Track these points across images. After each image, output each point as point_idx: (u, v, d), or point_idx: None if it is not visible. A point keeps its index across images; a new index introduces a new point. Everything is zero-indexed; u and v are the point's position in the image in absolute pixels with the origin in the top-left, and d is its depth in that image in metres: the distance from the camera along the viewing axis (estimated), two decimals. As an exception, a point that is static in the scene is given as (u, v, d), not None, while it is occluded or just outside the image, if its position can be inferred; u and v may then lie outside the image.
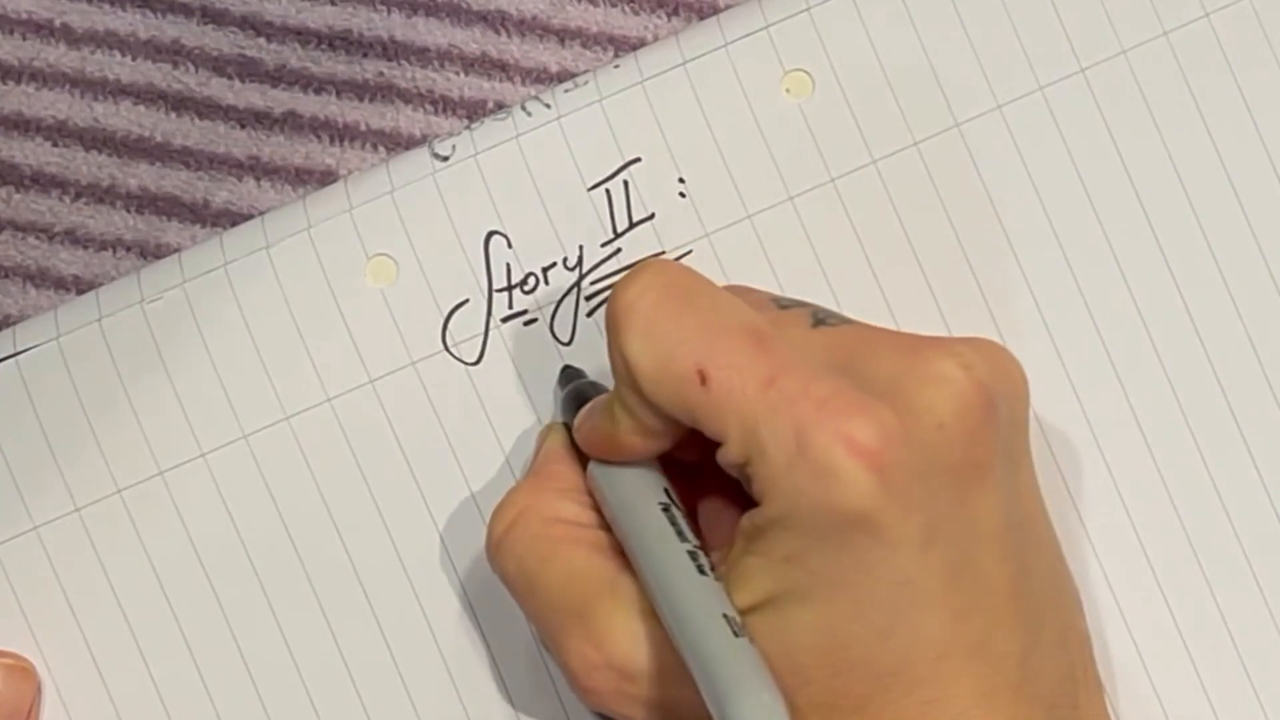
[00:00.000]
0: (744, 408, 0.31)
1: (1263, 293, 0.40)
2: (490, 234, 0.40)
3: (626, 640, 0.33)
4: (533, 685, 0.39)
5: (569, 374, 0.39)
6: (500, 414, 0.40)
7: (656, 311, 0.33)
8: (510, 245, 0.40)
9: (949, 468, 0.31)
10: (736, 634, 0.30)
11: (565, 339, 0.39)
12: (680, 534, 0.32)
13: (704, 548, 0.33)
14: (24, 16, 0.42)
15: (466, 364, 0.40)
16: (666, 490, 0.34)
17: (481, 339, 0.40)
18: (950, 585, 0.31)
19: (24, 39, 0.42)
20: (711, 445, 0.33)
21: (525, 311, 0.40)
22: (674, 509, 0.33)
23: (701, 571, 0.31)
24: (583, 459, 0.36)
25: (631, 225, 0.40)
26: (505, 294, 0.40)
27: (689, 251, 0.40)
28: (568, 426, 0.37)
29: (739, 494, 0.34)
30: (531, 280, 0.40)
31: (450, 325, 0.40)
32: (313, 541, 0.40)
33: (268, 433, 0.40)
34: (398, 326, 0.40)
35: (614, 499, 0.34)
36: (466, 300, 0.40)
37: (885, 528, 0.30)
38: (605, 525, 0.35)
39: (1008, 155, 0.40)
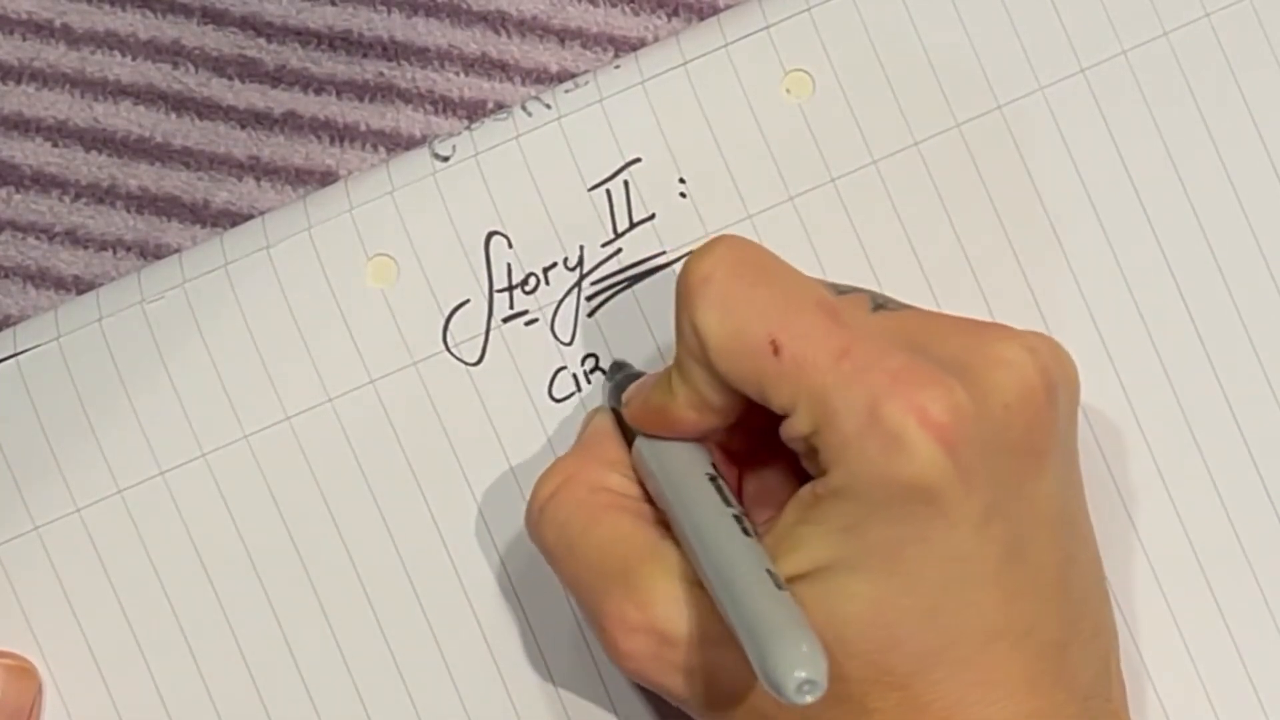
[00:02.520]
0: (816, 378, 0.31)
1: (1263, 293, 0.40)
2: (491, 234, 0.40)
3: (668, 604, 0.32)
4: (531, 678, 0.40)
5: (618, 365, 0.39)
6: (501, 414, 0.40)
7: (730, 283, 0.33)
8: (511, 245, 0.40)
9: (1011, 449, 0.32)
10: (779, 588, 0.30)
11: (566, 339, 0.39)
12: (725, 501, 0.32)
13: (748, 516, 0.33)
14: (24, 16, 0.42)
15: (467, 364, 0.40)
16: (712, 463, 0.34)
17: (482, 339, 0.40)
18: (1003, 567, 0.32)
19: (24, 39, 0.42)
20: (759, 430, 0.34)
21: (526, 312, 0.40)
22: (720, 479, 0.33)
23: (746, 534, 0.31)
24: (628, 439, 0.36)
25: (632, 225, 0.40)
26: (506, 294, 0.40)
27: (689, 252, 0.40)
28: (615, 413, 0.37)
29: (782, 480, 0.34)
30: (532, 280, 0.40)
31: (451, 325, 0.40)
32: (313, 541, 0.40)
33: (268, 433, 0.40)
34: (398, 326, 0.40)
35: (660, 470, 0.34)
36: (467, 300, 0.40)
37: (948, 503, 0.31)
38: (649, 500, 0.35)
39: (1008, 155, 0.40)
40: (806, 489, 0.32)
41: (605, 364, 0.40)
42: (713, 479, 0.33)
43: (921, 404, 0.31)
